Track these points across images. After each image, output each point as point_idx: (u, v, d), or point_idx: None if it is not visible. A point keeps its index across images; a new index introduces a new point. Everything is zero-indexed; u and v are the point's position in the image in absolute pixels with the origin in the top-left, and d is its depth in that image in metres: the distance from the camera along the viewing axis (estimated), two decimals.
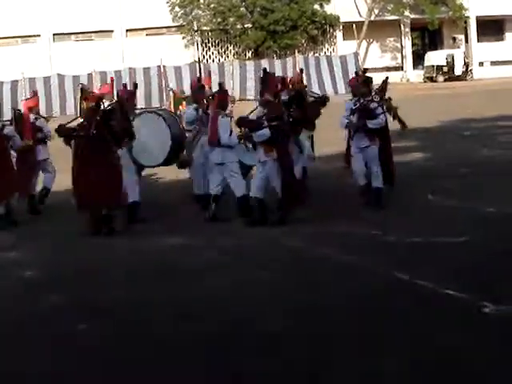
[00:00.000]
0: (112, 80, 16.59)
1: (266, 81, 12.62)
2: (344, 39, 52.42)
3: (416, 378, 6.21)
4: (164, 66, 43.98)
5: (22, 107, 14.98)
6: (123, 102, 12.39)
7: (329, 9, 51.21)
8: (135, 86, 14.75)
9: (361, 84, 13.25)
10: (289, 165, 12.03)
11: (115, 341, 7.46)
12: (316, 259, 10.08)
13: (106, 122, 11.98)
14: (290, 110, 12.45)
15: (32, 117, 14.50)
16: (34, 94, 16.15)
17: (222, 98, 12.78)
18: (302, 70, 16.93)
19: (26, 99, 16.17)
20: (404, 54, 54.49)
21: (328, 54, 51.07)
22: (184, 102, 14.71)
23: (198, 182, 13.71)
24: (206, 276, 9.52)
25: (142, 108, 15.31)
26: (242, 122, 12.16)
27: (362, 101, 12.99)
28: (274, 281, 9.14)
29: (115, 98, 13.12)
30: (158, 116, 13.15)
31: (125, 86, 14.16)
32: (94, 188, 11.87)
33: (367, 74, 14.11)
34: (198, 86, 14.10)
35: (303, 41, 50.69)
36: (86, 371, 6.76)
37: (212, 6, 50.31)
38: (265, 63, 45.55)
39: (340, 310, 7.89)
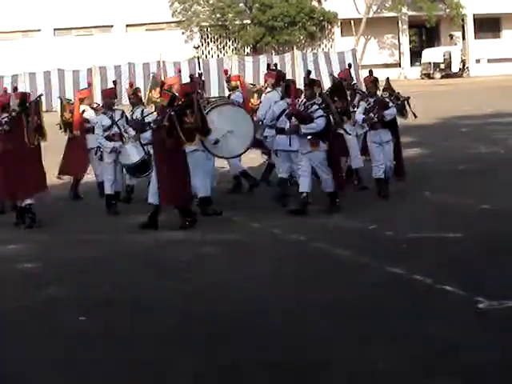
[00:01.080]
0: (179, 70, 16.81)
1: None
2: (342, 36, 52.44)
3: (411, 373, 6.22)
4: (163, 62, 43.94)
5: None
6: (197, 97, 12.28)
7: (327, 5, 51.22)
8: (114, 83, 14.91)
9: (370, 83, 13.59)
10: (337, 155, 12.53)
11: (114, 333, 7.49)
12: (313, 254, 10.16)
13: (180, 116, 11.85)
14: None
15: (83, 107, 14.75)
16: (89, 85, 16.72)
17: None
18: (350, 65, 16.77)
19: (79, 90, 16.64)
20: (401, 50, 54.49)
21: (326, 50, 51.03)
22: (255, 95, 14.88)
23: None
24: (205, 270, 9.58)
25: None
26: (298, 114, 12.30)
27: (375, 97, 13.43)
28: (271, 275, 9.17)
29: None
30: (234, 105, 13.35)
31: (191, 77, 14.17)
32: (165, 186, 11.85)
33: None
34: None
35: (301, 37, 50.63)
36: (85, 362, 6.79)
37: (211, 1, 50.32)
38: (263, 59, 45.77)
39: (336, 305, 7.92)
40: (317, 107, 12.34)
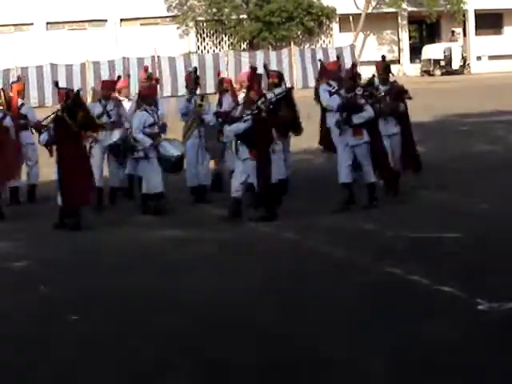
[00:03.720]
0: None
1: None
2: (340, 31, 52.30)
3: (411, 374, 6.26)
4: (158, 57, 43.89)
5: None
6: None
7: (325, 0, 51.04)
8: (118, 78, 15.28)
9: (382, 70, 13.77)
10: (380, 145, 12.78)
11: (109, 333, 7.56)
12: (311, 254, 10.23)
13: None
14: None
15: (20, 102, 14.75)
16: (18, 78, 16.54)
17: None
18: (338, 57, 17.58)
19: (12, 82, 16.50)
20: (401, 47, 54.35)
21: (324, 46, 50.96)
22: None
23: (192, 174, 13.94)
24: (202, 269, 9.66)
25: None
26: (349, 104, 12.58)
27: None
28: (269, 275, 9.22)
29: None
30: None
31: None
32: None
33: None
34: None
35: (299, 32, 50.57)
36: (80, 362, 6.85)
37: None
38: (260, 54, 45.49)
39: (333, 305, 7.96)
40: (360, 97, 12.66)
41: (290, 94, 13.85)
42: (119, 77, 15.57)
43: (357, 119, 12.48)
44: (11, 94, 14.78)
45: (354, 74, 13.06)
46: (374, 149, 12.65)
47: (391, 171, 13.07)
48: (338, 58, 16.80)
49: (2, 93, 14.75)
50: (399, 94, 13.55)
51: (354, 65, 13.58)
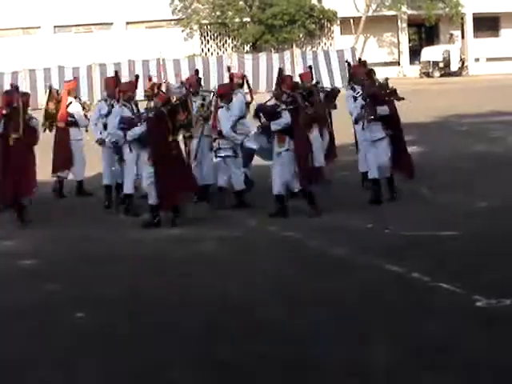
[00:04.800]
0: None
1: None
2: (342, 34, 52.31)
3: (410, 370, 6.28)
4: (163, 59, 43.97)
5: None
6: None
7: (326, 3, 51.12)
8: (137, 77, 14.95)
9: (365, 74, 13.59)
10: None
11: (113, 331, 7.54)
12: (311, 252, 10.25)
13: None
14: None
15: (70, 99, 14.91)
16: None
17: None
18: (310, 67, 17.38)
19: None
20: (401, 49, 54.41)
21: (325, 48, 50.92)
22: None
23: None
24: (204, 267, 9.65)
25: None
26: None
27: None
28: (270, 273, 9.26)
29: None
30: None
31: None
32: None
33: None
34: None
35: (301, 35, 50.51)
36: (84, 359, 6.84)
37: None
38: (263, 57, 45.83)
39: (332, 302, 8.00)
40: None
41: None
42: (137, 76, 15.27)
43: (274, 126, 12.21)
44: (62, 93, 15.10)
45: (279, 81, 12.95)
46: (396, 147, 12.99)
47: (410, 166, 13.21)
48: (310, 67, 16.89)
49: (50, 92, 15.15)
50: (383, 96, 13.05)
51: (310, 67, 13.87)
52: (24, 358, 6.95)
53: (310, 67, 17.67)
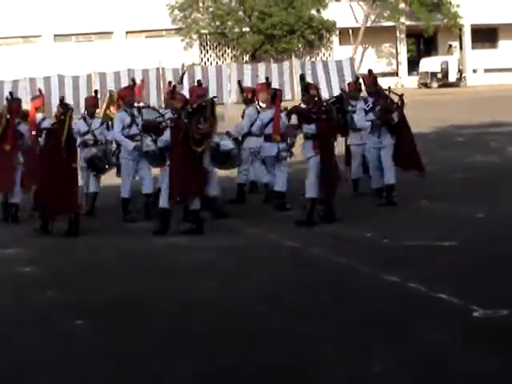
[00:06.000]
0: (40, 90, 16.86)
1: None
2: (340, 44, 52.64)
3: (407, 380, 6.26)
4: (163, 68, 44.19)
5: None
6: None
7: (326, 14, 51.43)
8: (133, 82, 14.88)
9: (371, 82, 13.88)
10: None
11: (113, 338, 7.54)
12: (310, 260, 10.26)
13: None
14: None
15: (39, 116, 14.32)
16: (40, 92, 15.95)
17: None
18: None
19: (32, 99, 15.75)
20: (399, 60, 54.71)
21: (324, 58, 51.23)
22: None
23: None
24: (204, 275, 9.65)
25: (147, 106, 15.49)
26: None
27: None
28: (269, 281, 9.26)
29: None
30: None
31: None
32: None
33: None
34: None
35: (300, 45, 50.79)
36: (84, 365, 6.83)
37: (211, 9, 50.48)
38: (262, 67, 46.04)
39: (331, 312, 8.01)
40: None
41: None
42: (133, 80, 15.18)
43: (306, 129, 12.39)
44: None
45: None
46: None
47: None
48: (266, 79, 16.27)
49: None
50: (390, 104, 13.45)
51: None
52: (22, 365, 6.92)
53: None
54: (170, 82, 15.40)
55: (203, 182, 12.17)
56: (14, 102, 13.95)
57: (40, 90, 17.04)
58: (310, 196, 12.19)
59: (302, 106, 12.71)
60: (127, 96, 13.69)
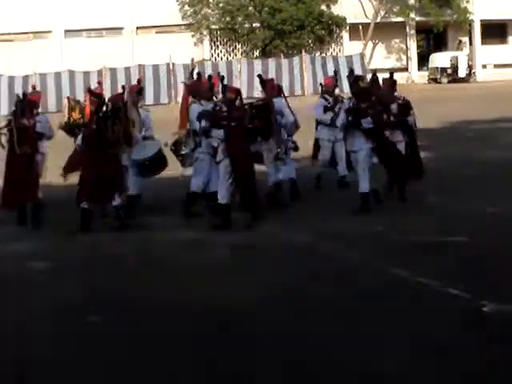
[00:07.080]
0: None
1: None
2: (350, 40, 52.60)
3: (415, 378, 6.27)
4: (173, 64, 44.32)
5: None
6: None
7: (336, 10, 51.46)
8: (139, 82, 14.89)
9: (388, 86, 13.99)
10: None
11: (122, 333, 7.55)
12: (320, 256, 10.29)
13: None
14: None
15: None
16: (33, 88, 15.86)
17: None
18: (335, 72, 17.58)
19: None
20: (409, 55, 54.66)
21: (334, 54, 51.26)
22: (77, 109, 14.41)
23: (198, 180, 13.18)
24: (215, 271, 9.69)
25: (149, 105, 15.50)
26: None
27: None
28: (280, 276, 9.29)
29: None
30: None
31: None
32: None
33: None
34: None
35: (310, 41, 50.77)
36: (92, 361, 6.85)
37: (221, 5, 50.50)
38: (272, 62, 46.15)
39: (341, 308, 8.02)
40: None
41: None
42: (139, 80, 15.26)
43: (365, 124, 12.78)
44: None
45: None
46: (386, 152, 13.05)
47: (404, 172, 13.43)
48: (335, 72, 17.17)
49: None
50: (406, 109, 13.70)
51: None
52: (34, 361, 6.92)
53: (335, 72, 17.66)
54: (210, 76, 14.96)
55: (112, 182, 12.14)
56: (34, 94, 13.78)
57: (34, 87, 16.98)
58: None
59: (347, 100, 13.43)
60: (199, 91, 13.27)
